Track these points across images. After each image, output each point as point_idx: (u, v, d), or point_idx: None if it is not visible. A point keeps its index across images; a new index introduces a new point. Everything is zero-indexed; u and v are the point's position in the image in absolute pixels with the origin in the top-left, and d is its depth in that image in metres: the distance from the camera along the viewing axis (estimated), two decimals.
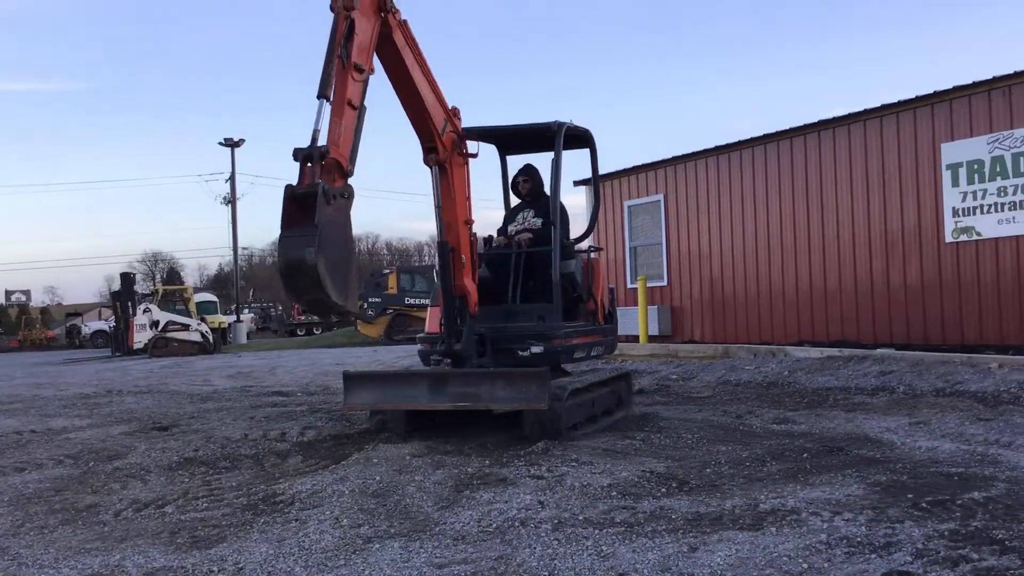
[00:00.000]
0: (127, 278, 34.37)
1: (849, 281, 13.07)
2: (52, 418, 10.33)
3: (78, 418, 10.21)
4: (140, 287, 46.22)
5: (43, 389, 15.41)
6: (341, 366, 18.54)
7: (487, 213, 39.23)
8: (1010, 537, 3.98)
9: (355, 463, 6.30)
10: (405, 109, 7.02)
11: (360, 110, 6.14)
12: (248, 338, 43.31)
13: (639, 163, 16.92)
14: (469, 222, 7.55)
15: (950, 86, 11.66)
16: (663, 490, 5.19)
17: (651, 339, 15.68)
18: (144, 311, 31.30)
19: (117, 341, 32.62)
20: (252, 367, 19.82)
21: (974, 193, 11.39)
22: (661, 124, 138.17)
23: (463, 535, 4.43)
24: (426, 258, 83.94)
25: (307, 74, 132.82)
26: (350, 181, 6.00)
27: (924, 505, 4.57)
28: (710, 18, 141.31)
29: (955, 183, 11.61)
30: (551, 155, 8.32)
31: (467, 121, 7.75)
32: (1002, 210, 11.07)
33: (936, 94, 11.81)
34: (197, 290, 48.00)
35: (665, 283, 16.24)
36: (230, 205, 49.19)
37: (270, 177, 76.59)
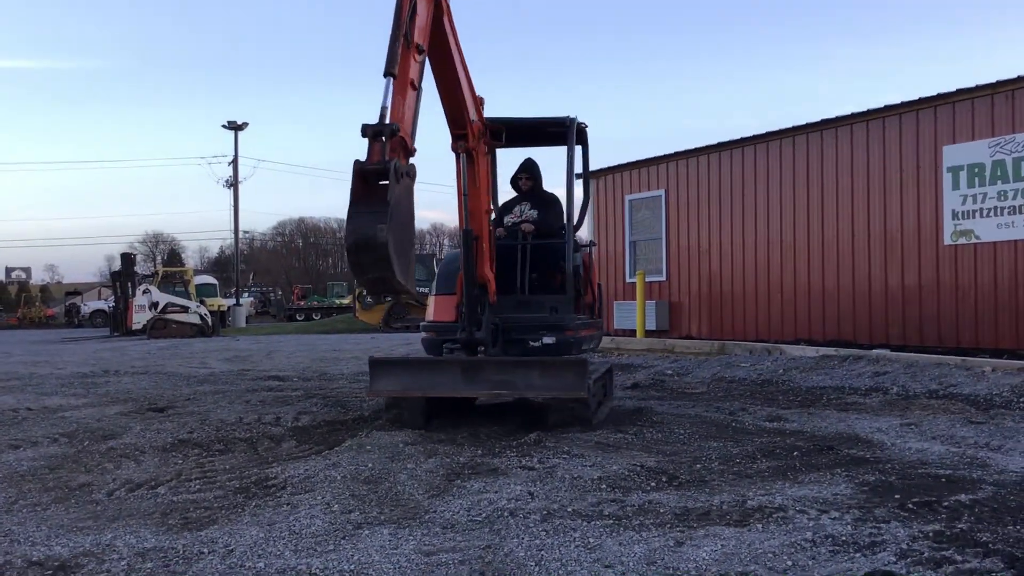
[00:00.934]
0: (127, 258, 34.42)
1: (847, 281, 13.10)
2: (48, 396, 10.36)
3: (74, 397, 10.25)
4: (140, 268, 46.31)
5: (40, 367, 15.45)
6: (339, 352, 18.60)
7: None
8: (994, 540, 4.01)
9: (348, 449, 6.33)
10: (441, 94, 6.99)
11: (419, 91, 6.18)
12: (247, 322, 43.38)
13: (641, 157, 16.94)
14: (489, 211, 7.58)
15: (953, 88, 11.66)
16: (652, 484, 5.22)
17: (648, 334, 15.72)
18: (144, 292, 31.37)
19: (116, 321, 32.70)
20: (250, 351, 19.86)
21: (974, 196, 11.40)
22: (663, 119, 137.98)
23: (452, 523, 4.46)
24: (425, 247, 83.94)
25: (312, 60, 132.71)
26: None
27: (911, 506, 4.60)
28: (719, 15, 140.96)
29: (955, 186, 11.62)
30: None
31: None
32: (1002, 214, 11.09)
33: (939, 96, 11.82)
34: (197, 272, 48.16)
35: (664, 278, 16.27)
36: (232, 188, 49.19)
37: (272, 161, 76.55)
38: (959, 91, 11.59)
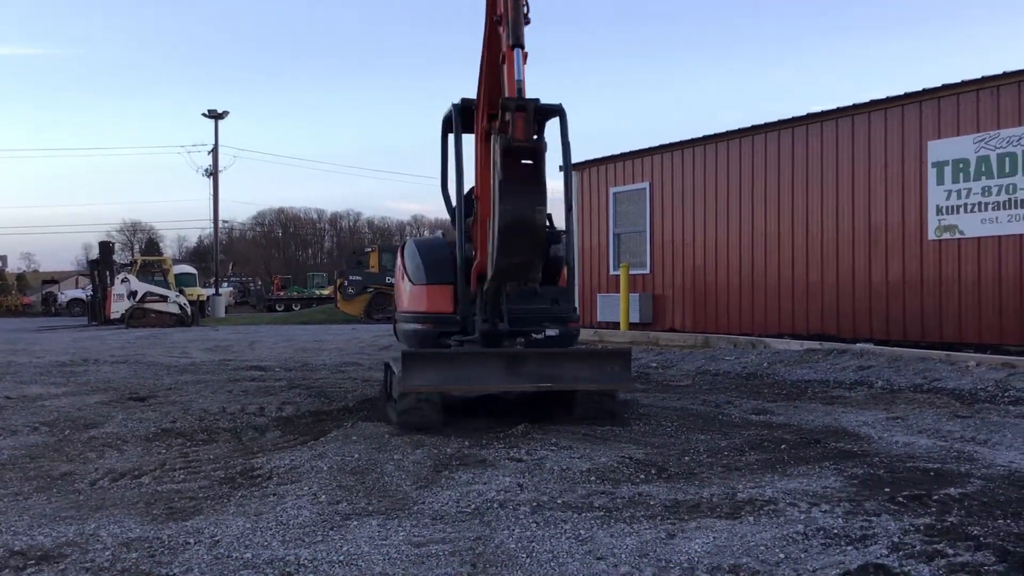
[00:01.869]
0: (106, 247, 34.07)
1: (831, 275, 13.13)
2: (27, 385, 10.24)
3: (54, 386, 10.13)
4: (118, 257, 45.90)
5: (18, 355, 15.27)
6: (320, 343, 18.51)
7: None
8: (985, 534, 4.00)
9: (334, 440, 6.28)
10: (493, 71, 6.74)
11: None
12: (226, 312, 43.06)
13: (626, 150, 16.91)
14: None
15: (939, 84, 11.70)
16: (642, 476, 5.20)
17: (632, 326, 15.71)
18: (122, 281, 31.07)
19: (94, 310, 32.38)
20: (230, 341, 19.72)
21: (959, 192, 11.45)
22: (650, 113, 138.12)
23: (441, 515, 4.42)
24: (408, 238, 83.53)
25: (293, 51, 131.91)
26: None
27: (901, 499, 4.60)
28: (705, 10, 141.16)
29: (940, 181, 11.66)
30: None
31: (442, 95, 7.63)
32: (986, 209, 11.14)
33: (924, 92, 11.84)
34: (176, 262, 47.71)
35: (648, 271, 16.26)
36: (212, 177, 48.75)
37: (252, 151, 76.05)
38: (944, 86, 11.62)
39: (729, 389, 9.38)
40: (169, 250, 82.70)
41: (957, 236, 11.46)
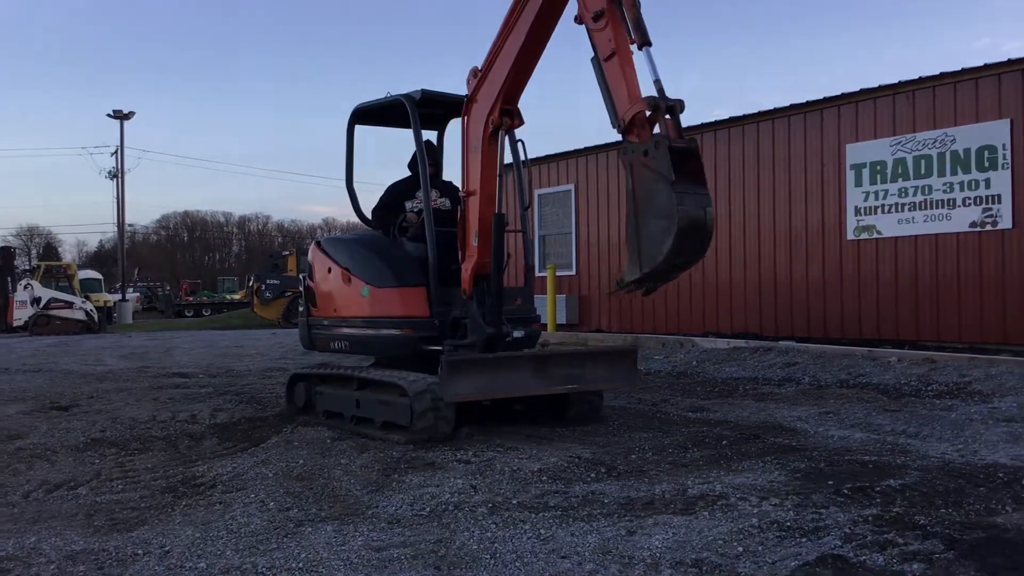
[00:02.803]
0: (7, 252, 32.71)
1: (754, 274, 13.39)
2: None
3: None
4: (18, 262, 44.14)
5: None
6: (241, 348, 18.09)
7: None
8: (931, 523, 4.13)
9: (275, 446, 6.15)
10: (524, 71, 6.63)
11: None
12: (133, 318, 41.85)
13: (552, 152, 16.99)
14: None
15: (857, 88, 12.05)
16: (592, 475, 5.22)
17: (559, 327, 15.78)
18: (25, 287, 29.95)
19: None
20: (145, 347, 19.13)
21: (876, 193, 11.80)
22: (575, 115, 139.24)
23: (398, 518, 4.36)
24: (326, 235, 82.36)
25: (196, 52, 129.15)
26: None
27: (846, 491, 4.71)
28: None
29: (858, 183, 12.01)
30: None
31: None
32: (902, 210, 11.51)
33: (843, 96, 12.19)
34: (79, 267, 46.13)
35: (574, 272, 16.36)
36: (115, 179, 47.29)
37: (158, 152, 74.04)
38: (862, 91, 11.97)
39: (662, 388, 9.48)
40: (68, 255, 79.86)
41: (875, 236, 11.82)
